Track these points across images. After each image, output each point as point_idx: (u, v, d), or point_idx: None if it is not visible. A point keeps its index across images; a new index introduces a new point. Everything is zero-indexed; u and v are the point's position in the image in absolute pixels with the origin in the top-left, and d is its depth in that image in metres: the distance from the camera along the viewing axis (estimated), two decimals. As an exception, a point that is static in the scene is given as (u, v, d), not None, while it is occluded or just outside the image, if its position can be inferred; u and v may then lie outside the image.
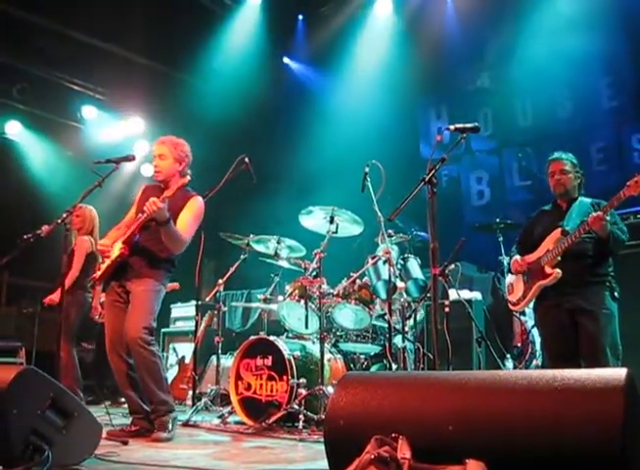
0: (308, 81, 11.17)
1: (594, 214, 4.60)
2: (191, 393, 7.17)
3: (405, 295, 5.83)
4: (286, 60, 11.58)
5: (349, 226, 6.29)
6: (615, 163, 8.48)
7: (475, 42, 9.66)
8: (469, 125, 4.24)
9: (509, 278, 5.28)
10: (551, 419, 1.92)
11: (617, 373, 1.89)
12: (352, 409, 2.30)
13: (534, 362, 6.91)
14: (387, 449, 2.07)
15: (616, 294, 4.84)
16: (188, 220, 5.22)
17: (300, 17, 11.19)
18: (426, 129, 10.34)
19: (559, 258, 4.82)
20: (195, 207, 5.30)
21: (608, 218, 4.66)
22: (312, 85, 11.07)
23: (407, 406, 2.18)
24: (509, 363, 6.90)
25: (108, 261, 5.16)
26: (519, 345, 7.10)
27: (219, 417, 6.13)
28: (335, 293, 6.10)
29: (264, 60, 10.74)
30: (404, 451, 2.05)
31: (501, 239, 7.36)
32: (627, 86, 8.53)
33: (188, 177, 5.09)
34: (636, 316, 5.79)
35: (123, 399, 8.17)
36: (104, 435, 4.21)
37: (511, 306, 5.25)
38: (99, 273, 5.27)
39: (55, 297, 6.86)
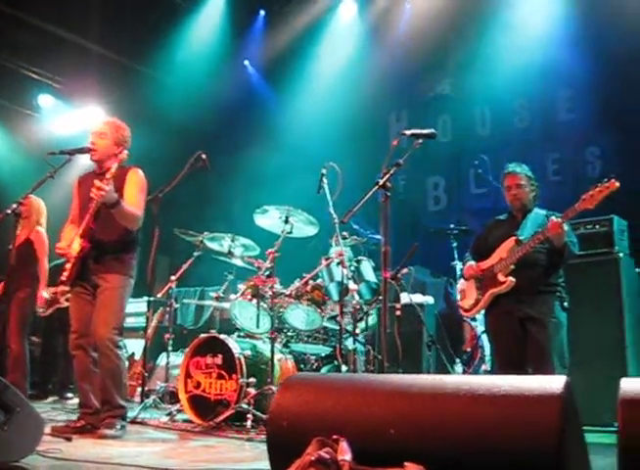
0: (268, 80, 11.13)
1: (554, 219, 4.66)
2: (140, 389, 7.09)
3: (357, 297, 5.83)
4: (246, 62, 11.54)
5: (304, 227, 6.30)
6: (569, 174, 8.62)
7: (437, 49, 9.75)
8: (425, 131, 4.27)
9: (461, 284, 5.33)
10: (490, 425, 1.94)
11: (556, 381, 1.92)
12: (296, 411, 2.30)
13: (483, 367, 6.98)
14: (327, 451, 2.08)
15: (565, 304, 4.91)
16: (135, 195, 5.12)
17: (263, 12, 11.13)
18: (385, 133, 10.38)
19: (512, 266, 4.87)
20: (137, 179, 5.19)
21: (566, 229, 4.73)
22: (273, 84, 11.03)
23: (350, 409, 2.19)
24: (458, 368, 6.97)
25: (72, 261, 5.04)
26: (468, 350, 7.18)
27: (168, 415, 6.07)
28: (287, 293, 6.09)
29: (226, 56, 10.71)
30: (344, 453, 2.05)
31: (455, 245, 7.43)
32: (585, 100, 8.67)
33: (125, 152, 5.02)
34: (583, 326, 5.89)
35: (70, 395, 8.11)
36: (47, 431, 4.14)
37: (463, 312, 5.30)
38: (66, 275, 5.09)
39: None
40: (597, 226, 6.20)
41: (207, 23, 10.71)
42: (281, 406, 2.33)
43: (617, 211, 6.39)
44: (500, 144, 9.16)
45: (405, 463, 1.98)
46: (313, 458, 2.06)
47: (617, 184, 4.53)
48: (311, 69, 10.56)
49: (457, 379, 2.11)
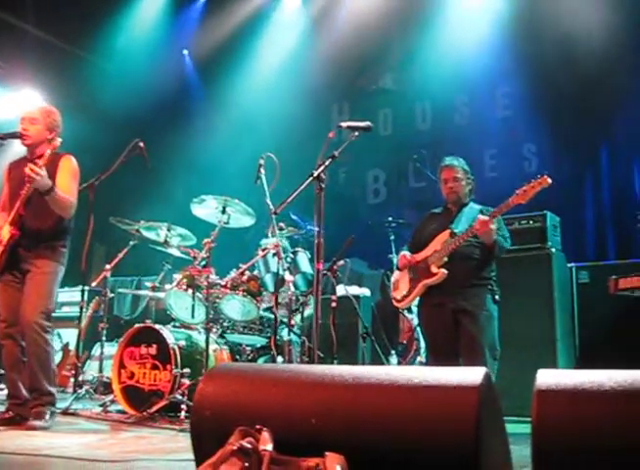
0: (209, 69, 11.00)
1: (481, 218, 4.74)
2: (73, 380, 6.99)
3: (293, 288, 5.85)
4: (185, 51, 11.41)
5: (241, 217, 6.27)
6: (506, 170, 8.75)
7: (380, 43, 9.78)
8: (361, 124, 4.29)
9: (395, 275, 5.36)
10: (409, 416, 1.96)
11: (475, 373, 1.94)
12: (219, 400, 2.29)
13: (418, 359, 7.06)
14: (249, 441, 2.07)
15: (496, 296, 4.99)
16: (67, 181, 5.03)
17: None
18: (327, 125, 10.39)
19: (445, 258, 4.92)
20: (69, 166, 5.11)
21: (494, 227, 4.80)
22: (213, 73, 10.90)
23: (273, 399, 2.19)
24: (394, 359, 7.04)
25: (1, 249, 4.92)
26: (404, 341, 7.24)
27: (101, 406, 6.00)
28: (223, 284, 6.07)
29: (166, 44, 10.56)
30: (266, 443, 2.06)
31: (393, 238, 7.49)
32: (521, 97, 8.83)
33: (59, 139, 4.94)
34: (516, 319, 6.01)
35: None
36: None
37: (395, 303, 5.33)
38: None
39: None
40: (531, 222, 6.33)
41: (149, 8, 10.56)
42: (204, 396, 2.31)
43: (552, 207, 6.54)
44: (439, 139, 9.26)
45: (326, 453, 1.99)
46: (235, 448, 2.06)
47: (550, 180, 4.61)
48: (253, 58, 10.49)
49: (379, 370, 2.12)
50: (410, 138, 9.61)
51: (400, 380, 2.03)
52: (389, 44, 9.84)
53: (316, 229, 3.87)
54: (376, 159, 9.86)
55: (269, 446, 2.05)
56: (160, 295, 6.65)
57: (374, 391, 2.04)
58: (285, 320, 6.00)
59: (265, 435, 2.09)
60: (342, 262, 6.05)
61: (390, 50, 9.91)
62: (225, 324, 6.36)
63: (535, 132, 8.65)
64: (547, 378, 1.89)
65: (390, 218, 7.55)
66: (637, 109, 7.44)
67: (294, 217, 7.11)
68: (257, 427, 2.12)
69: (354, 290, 7.06)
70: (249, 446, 2.06)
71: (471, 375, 1.94)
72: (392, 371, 2.09)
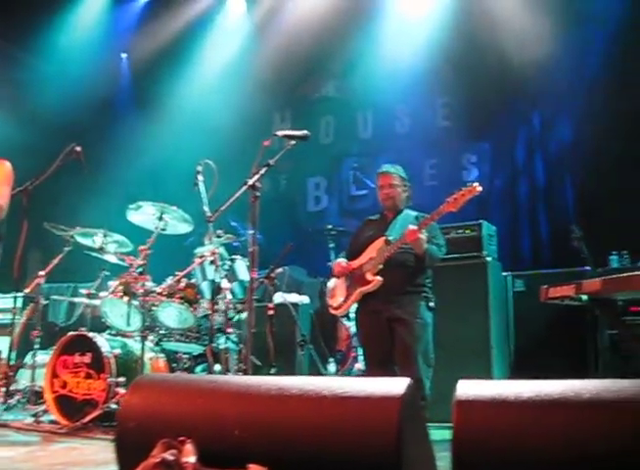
0: (149, 72, 10.84)
1: (410, 228, 4.78)
2: (4, 390, 6.81)
3: (230, 296, 5.81)
4: (124, 55, 11.27)
5: (179, 224, 6.21)
6: (445, 179, 8.85)
7: (323, 51, 9.82)
8: (297, 133, 4.29)
9: (331, 282, 5.37)
10: (333, 427, 1.96)
11: (398, 383, 1.95)
12: (144, 412, 2.26)
13: (357, 366, 7.07)
14: (172, 453, 2.05)
15: (431, 304, 5.02)
16: None
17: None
18: (269, 132, 10.36)
19: (380, 266, 4.94)
20: (1, 170, 5.05)
21: (423, 236, 4.84)
22: (154, 76, 10.76)
23: (198, 410, 2.17)
24: (332, 367, 7.04)
25: None
26: (342, 349, 7.26)
27: (33, 416, 5.86)
28: (160, 291, 6.00)
29: (106, 46, 10.42)
30: (189, 455, 2.04)
31: (332, 245, 7.50)
32: (460, 108, 8.96)
33: None
34: (452, 326, 6.08)
35: None
36: None
37: (331, 310, 5.33)
38: None
39: None
40: (467, 231, 6.41)
41: (89, 10, 10.40)
42: (129, 407, 2.29)
43: (489, 216, 6.64)
44: (381, 147, 9.33)
45: (249, 465, 1.98)
46: (157, 460, 2.04)
47: (480, 188, 4.67)
48: (196, 63, 10.41)
49: (303, 381, 2.12)
50: (351, 146, 9.67)
51: (324, 391, 2.03)
52: (332, 52, 9.87)
53: (250, 237, 3.85)
54: (317, 166, 9.88)
55: (192, 459, 2.03)
56: (96, 302, 6.54)
57: (298, 402, 2.04)
58: (222, 328, 5.96)
59: (189, 447, 2.07)
60: (280, 270, 6.04)
61: (333, 58, 9.95)
62: (161, 332, 6.27)
63: (474, 142, 8.78)
64: (467, 388, 1.91)
65: (330, 226, 7.55)
66: (570, 121, 7.60)
67: (233, 224, 7.08)
68: (181, 439, 2.10)
69: (293, 297, 7.05)
70: (171, 458, 2.04)
71: (394, 386, 1.95)
72: (317, 382, 2.09)
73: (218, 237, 6.11)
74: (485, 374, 6.05)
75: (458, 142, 8.95)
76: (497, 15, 8.41)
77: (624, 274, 4.60)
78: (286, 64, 9.83)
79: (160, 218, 5.99)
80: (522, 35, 8.10)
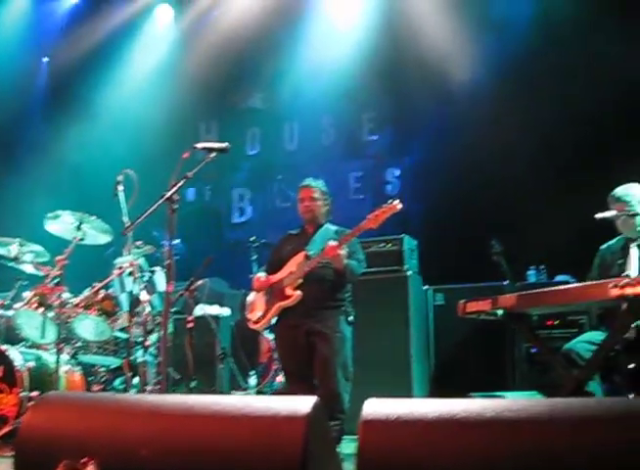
0: (72, 78, 10.58)
1: (330, 244, 4.80)
2: None
3: (149, 308, 5.72)
4: (45, 59, 11.00)
5: (98, 234, 6.09)
6: (370, 193, 8.95)
7: (250, 62, 9.79)
8: (217, 145, 4.26)
9: (251, 296, 5.34)
10: (239, 446, 1.94)
11: (304, 402, 1.94)
12: (46, 431, 2.19)
13: (278, 379, 7.04)
14: (73, 475, 1.99)
15: (350, 318, 5.05)
16: None
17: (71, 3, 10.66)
18: (194, 142, 10.25)
19: (300, 280, 4.95)
20: None
21: (343, 252, 4.85)
22: (77, 83, 10.51)
23: (102, 430, 2.12)
24: (253, 380, 7.00)
25: None
26: (264, 362, 7.22)
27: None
28: (76, 302, 5.86)
29: (28, 51, 10.18)
30: (90, 477, 1.98)
31: (255, 257, 7.46)
32: (386, 122, 9.06)
33: None
34: (373, 340, 6.12)
35: None
36: None
37: (250, 325, 5.31)
38: None
39: None
40: (388, 245, 6.47)
41: (10, 13, 10.15)
42: (31, 427, 2.21)
43: (411, 230, 6.71)
44: (306, 159, 9.34)
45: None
46: (57, 483, 1.98)
47: (400, 206, 4.73)
48: (121, 70, 10.23)
49: (210, 399, 2.09)
50: (277, 158, 9.66)
51: (231, 410, 2.01)
52: (260, 63, 9.85)
53: (167, 251, 3.79)
54: (242, 177, 9.86)
55: (94, 480, 1.98)
56: (10, 313, 6.35)
57: (204, 421, 2.01)
58: (140, 341, 5.86)
59: (91, 468, 2.02)
60: (200, 282, 5.97)
61: (261, 69, 9.92)
62: (78, 344, 6.12)
63: (399, 157, 8.88)
64: (373, 407, 1.91)
65: (253, 238, 7.52)
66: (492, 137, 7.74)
67: (155, 234, 6.97)
68: (83, 460, 2.04)
69: (214, 310, 6.99)
70: (72, 480, 1.98)
71: (300, 405, 1.94)
72: (224, 401, 2.07)
73: (138, 248, 6.01)
74: (405, 388, 6.11)
75: (383, 156, 9.05)
76: (424, 30, 8.53)
77: (537, 290, 4.74)
78: (213, 74, 9.75)
79: (79, 228, 5.86)
80: (447, 51, 8.24)
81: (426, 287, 6.79)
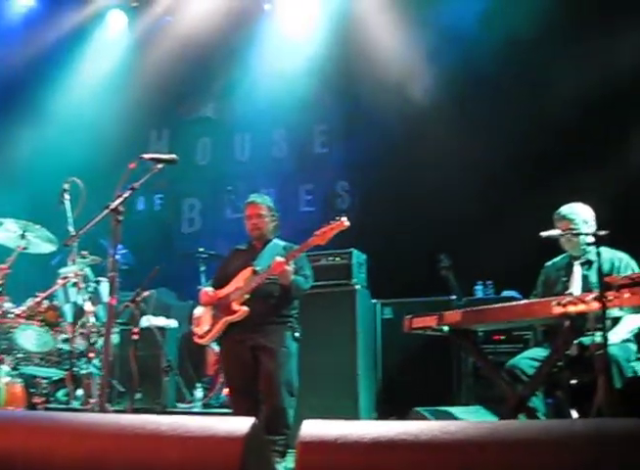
0: (21, 83, 10.37)
1: (277, 260, 4.79)
2: None
3: (94, 319, 5.64)
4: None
5: (42, 243, 5.99)
6: (320, 206, 8.95)
7: (204, 72, 9.74)
8: (164, 156, 4.21)
9: (197, 311, 5.30)
10: (175, 468, 1.90)
11: (242, 423, 1.91)
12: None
13: (225, 392, 6.99)
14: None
15: (296, 334, 5.06)
16: None
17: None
18: (144, 151, 10.14)
19: (247, 296, 4.94)
20: None
21: (290, 268, 4.86)
22: (26, 88, 10.31)
23: (27, 450, 2.04)
24: (199, 392, 6.93)
25: None
26: (211, 374, 7.17)
27: None
28: (18, 313, 5.75)
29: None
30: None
31: (203, 269, 7.41)
32: (337, 135, 9.08)
33: None
34: (320, 354, 6.11)
35: None
36: None
37: (196, 339, 5.26)
38: None
39: None
40: (337, 258, 6.47)
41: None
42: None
43: (360, 244, 6.72)
44: (257, 171, 9.33)
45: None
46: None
47: (347, 224, 4.75)
48: (71, 76, 10.07)
49: (144, 419, 2.04)
50: (228, 169, 9.60)
51: (166, 430, 1.96)
52: (213, 73, 9.81)
53: (110, 263, 3.73)
54: (193, 187, 9.77)
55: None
56: (-52, 323, 6.19)
57: (137, 442, 1.96)
58: (84, 352, 5.76)
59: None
60: (146, 293, 5.91)
61: (214, 79, 9.88)
62: (19, 355, 6.00)
63: (349, 171, 8.91)
64: (311, 429, 1.89)
65: (202, 249, 7.47)
66: (446, 144, 7.81)
67: (103, 243, 6.87)
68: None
69: (161, 321, 6.91)
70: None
71: (237, 425, 1.91)
72: (159, 420, 2.02)
73: (83, 258, 5.93)
74: (352, 402, 6.11)
75: (334, 169, 9.06)
76: (379, 45, 8.58)
77: (482, 307, 4.78)
78: (165, 81, 9.69)
79: (23, 237, 5.75)
80: (401, 66, 8.31)
81: (374, 301, 6.79)
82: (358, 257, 6.59)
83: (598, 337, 3.91)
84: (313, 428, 1.91)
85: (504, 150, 7.54)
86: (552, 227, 4.86)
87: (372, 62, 8.49)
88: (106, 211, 3.78)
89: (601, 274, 3.94)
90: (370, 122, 8.52)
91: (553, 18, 7.53)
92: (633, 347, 4.71)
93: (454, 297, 6.59)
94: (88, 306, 5.56)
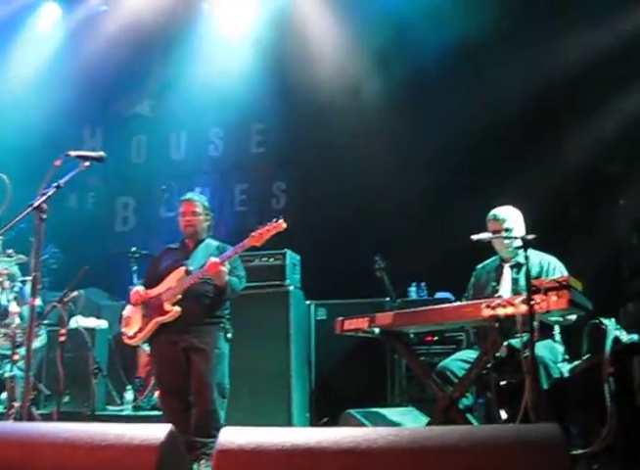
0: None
1: (211, 260, 4.74)
2: None
3: (19, 320, 5.48)
4: None
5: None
6: (255, 206, 8.91)
7: (140, 69, 9.57)
8: (92, 154, 4.11)
9: (127, 310, 5.20)
10: (88, 476, 1.85)
11: (158, 431, 1.87)
12: None
13: (157, 394, 6.88)
14: None
15: (229, 335, 5.04)
16: None
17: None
18: (78, 148, 9.91)
19: (179, 296, 4.87)
20: None
21: (224, 269, 4.82)
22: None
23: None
24: (129, 395, 6.81)
25: None
26: (142, 376, 7.05)
27: None
28: (-62, 313, 5.56)
29: None
30: None
31: (135, 268, 7.29)
32: (273, 136, 9.05)
33: None
34: (254, 355, 6.08)
35: None
36: None
37: (126, 340, 5.18)
38: None
39: None
40: (271, 259, 6.44)
41: None
42: None
43: (294, 244, 6.69)
44: (193, 170, 9.25)
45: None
46: None
47: (284, 225, 4.73)
48: (3, 68, 9.78)
49: (59, 427, 1.99)
50: (163, 167, 9.45)
51: (82, 438, 1.91)
52: (150, 70, 9.65)
53: (33, 263, 3.62)
54: (127, 185, 9.60)
55: None
56: None
57: (53, 451, 1.91)
58: (8, 354, 5.59)
59: None
60: (75, 294, 5.77)
61: (150, 76, 9.72)
62: (-61, 358, 5.82)
63: (285, 171, 8.89)
64: (228, 436, 1.86)
65: (134, 248, 7.34)
66: (380, 146, 7.84)
67: (32, 240, 6.68)
68: None
69: (91, 322, 6.77)
70: None
71: (153, 433, 1.87)
72: (74, 428, 1.97)
73: (9, 257, 5.76)
74: (285, 403, 6.10)
75: (270, 169, 9.04)
76: (315, 46, 8.58)
77: (413, 309, 4.82)
78: (101, 77, 9.49)
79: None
80: (336, 66, 8.31)
81: (308, 302, 6.78)
82: (292, 257, 6.57)
83: (526, 338, 3.96)
84: (232, 435, 1.88)
85: (441, 152, 7.60)
86: (486, 229, 4.91)
87: (309, 61, 8.47)
88: (29, 209, 3.66)
89: (529, 277, 3.99)
90: (307, 122, 8.50)
91: (491, 23, 7.62)
92: (560, 348, 4.79)
93: (388, 298, 6.60)
94: (13, 307, 5.39)
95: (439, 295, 6.90)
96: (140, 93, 9.88)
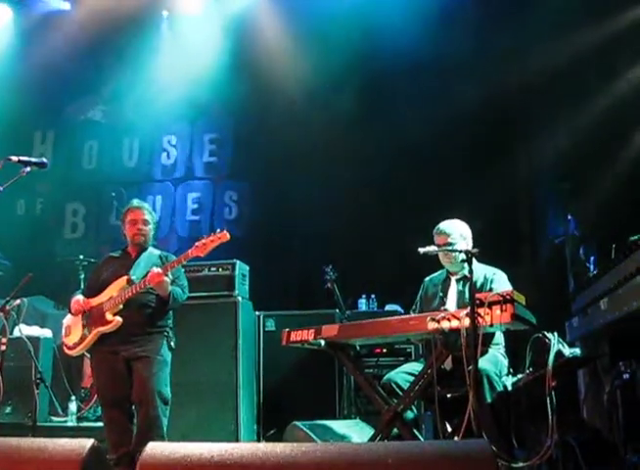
0: None
1: (154, 271, 4.68)
2: None
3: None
4: None
5: None
6: (207, 214, 8.87)
7: (94, 74, 9.48)
8: (34, 160, 4.04)
9: (67, 319, 5.11)
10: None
11: (79, 445, 1.83)
12: None
13: (101, 405, 6.79)
14: None
15: (172, 344, 4.98)
16: None
17: None
18: (28, 153, 9.77)
19: (121, 306, 4.80)
20: None
21: (167, 279, 4.78)
22: None
23: None
24: (73, 406, 6.68)
25: None
26: (87, 386, 6.94)
27: None
28: None
29: None
30: None
31: (83, 276, 7.18)
32: (226, 145, 9.05)
33: None
34: (202, 365, 6.04)
35: None
36: None
37: (66, 350, 5.09)
38: None
39: None
40: (220, 269, 6.40)
41: None
42: None
43: (244, 255, 6.67)
44: (144, 178, 9.20)
45: None
46: None
47: (228, 236, 4.68)
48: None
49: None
50: (115, 174, 9.34)
51: (2, 453, 1.85)
52: (103, 75, 9.56)
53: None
54: (77, 192, 9.45)
55: None
56: None
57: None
58: None
59: None
60: (18, 302, 5.66)
61: (104, 82, 9.63)
62: None
63: (237, 180, 8.88)
64: (152, 451, 1.82)
65: (82, 256, 7.24)
66: (332, 157, 7.86)
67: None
68: None
69: (35, 331, 6.63)
70: None
71: (74, 448, 1.82)
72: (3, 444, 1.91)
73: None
74: (232, 415, 6.05)
75: (221, 179, 9.01)
76: (271, 56, 8.58)
77: (359, 322, 4.82)
78: (53, 81, 9.36)
79: None
80: (291, 76, 8.32)
81: (257, 313, 6.74)
82: (242, 268, 6.54)
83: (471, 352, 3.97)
84: (157, 449, 1.84)
85: (390, 166, 7.64)
86: (432, 242, 4.93)
87: (263, 71, 8.49)
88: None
89: (473, 291, 4.01)
90: (260, 132, 8.50)
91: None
92: (504, 361, 4.82)
93: (338, 310, 6.60)
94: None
95: (389, 307, 6.93)
96: (93, 98, 9.79)
